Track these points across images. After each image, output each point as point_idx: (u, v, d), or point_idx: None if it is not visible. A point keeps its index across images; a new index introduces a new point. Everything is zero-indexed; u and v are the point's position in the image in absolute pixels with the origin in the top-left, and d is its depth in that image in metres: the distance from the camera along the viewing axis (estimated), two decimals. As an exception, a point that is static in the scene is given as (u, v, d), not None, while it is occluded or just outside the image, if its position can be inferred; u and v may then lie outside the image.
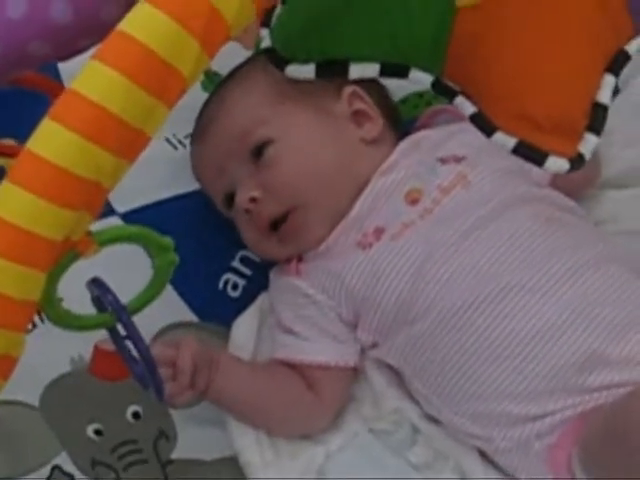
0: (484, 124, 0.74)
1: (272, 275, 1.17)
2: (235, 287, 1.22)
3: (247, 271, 1.22)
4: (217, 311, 1.19)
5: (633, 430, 0.87)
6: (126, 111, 0.64)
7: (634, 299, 1.01)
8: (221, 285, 1.21)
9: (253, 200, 1.11)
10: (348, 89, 1.14)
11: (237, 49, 1.17)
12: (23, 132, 1.20)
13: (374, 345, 1.10)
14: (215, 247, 1.22)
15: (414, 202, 1.08)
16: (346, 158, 1.11)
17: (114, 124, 0.64)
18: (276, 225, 1.11)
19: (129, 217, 1.22)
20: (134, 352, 0.83)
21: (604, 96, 0.74)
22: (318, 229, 1.11)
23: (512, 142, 0.73)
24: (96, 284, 0.77)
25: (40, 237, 0.64)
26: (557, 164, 0.72)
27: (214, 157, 1.16)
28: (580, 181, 1.17)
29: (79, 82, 0.64)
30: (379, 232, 1.08)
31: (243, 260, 1.23)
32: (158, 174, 1.25)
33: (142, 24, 0.64)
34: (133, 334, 0.76)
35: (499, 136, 0.73)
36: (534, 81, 0.72)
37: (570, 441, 0.97)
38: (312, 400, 1.10)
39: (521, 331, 0.99)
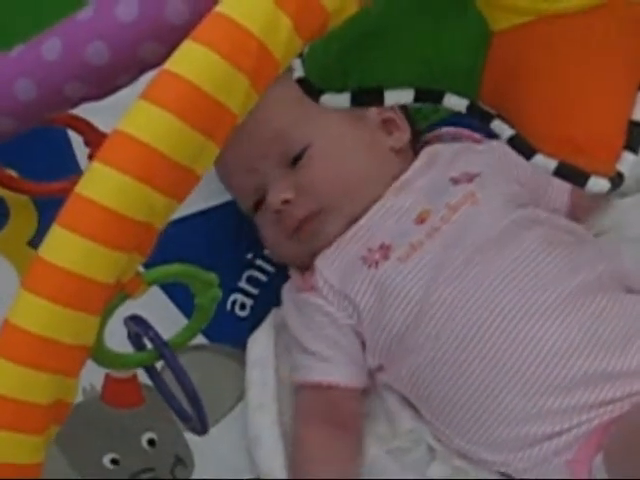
0: (523, 147, 0.73)
1: (285, 293, 1.16)
2: (243, 307, 1.21)
3: (254, 290, 1.22)
4: (227, 332, 1.19)
5: None
6: (177, 151, 0.63)
7: (633, 312, 1.03)
8: (229, 306, 1.21)
9: (286, 202, 1.10)
10: None
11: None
12: (22, 163, 1.19)
13: (380, 368, 1.10)
14: (221, 268, 1.19)
15: (422, 221, 1.08)
16: (376, 165, 1.13)
17: (165, 164, 0.63)
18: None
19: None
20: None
21: (639, 114, 0.75)
22: (334, 231, 1.11)
23: (553, 164, 0.72)
24: (135, 321, 0.76)
25: (93, 281, 0.62)
26: (599, 185, 0.72)
27: (246, 158, 1.14)
28: (599, 199, 1.18)
29: (127, 122, 0.63)
30: (385, 250, 1.08)
31: (250, 280, 1.22)
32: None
33: (190, 62, 0.63)
34: (177, 370, 0.75)
35: (539, 158, 0.73)
36: (574, 102, 0.72)
37: (589, 454, 0.98)
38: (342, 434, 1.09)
39: (529, 356, 1.00)
